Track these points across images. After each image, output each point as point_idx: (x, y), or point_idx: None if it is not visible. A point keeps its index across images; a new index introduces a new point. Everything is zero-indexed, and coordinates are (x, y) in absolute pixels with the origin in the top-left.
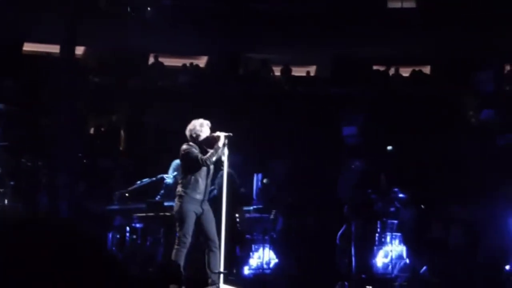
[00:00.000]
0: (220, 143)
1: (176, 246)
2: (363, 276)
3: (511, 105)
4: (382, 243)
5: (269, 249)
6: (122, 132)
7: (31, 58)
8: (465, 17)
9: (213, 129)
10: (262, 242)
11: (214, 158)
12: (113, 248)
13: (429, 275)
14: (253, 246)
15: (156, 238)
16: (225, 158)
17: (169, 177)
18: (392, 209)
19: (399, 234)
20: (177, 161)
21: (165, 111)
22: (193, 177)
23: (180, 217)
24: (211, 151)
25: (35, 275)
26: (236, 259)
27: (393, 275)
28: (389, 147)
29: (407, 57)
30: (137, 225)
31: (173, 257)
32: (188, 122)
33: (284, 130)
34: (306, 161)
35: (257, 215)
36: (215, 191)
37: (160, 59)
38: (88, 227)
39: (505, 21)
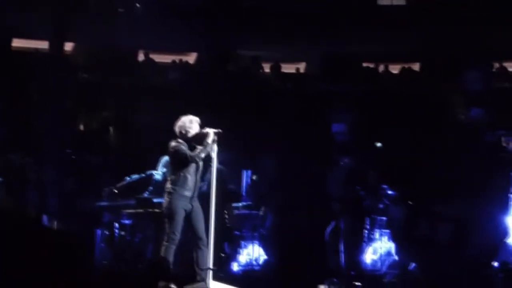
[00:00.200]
0: (209, 140)
1: (165, 243)
2: (351, 272)
3: (500, 103)
4: (371, 240)
5: (258, 245)
6: (111, 129)
7: (19, 54)
8: (455, 15)
9: (202, 126)
10: (251, 239)
11: (203, 155)
12: (102, 245)
13: (418, 272)
14: (242, 242)
15: (145, 235)
16: (214, 155)
17: (158, 174)
18: (381, 206)
19: (388, 231)
20: (166, 158)
21: (154, 107)
22: (182, 174)
23: (169, 213)
24: (200, 147)
25: (25, 271)
26: (225, 255)
27: (381, 272)
28: (378, 144)
29: (397, 54)
30: (126, 222)
31: (162, 253)
32: (177, 118)
33: (273, 127)
34: (295, 158)
35: (246, 211)
36: (204, 187)
37: (149, 56)
38: (77, 223)
39: (495, 19)
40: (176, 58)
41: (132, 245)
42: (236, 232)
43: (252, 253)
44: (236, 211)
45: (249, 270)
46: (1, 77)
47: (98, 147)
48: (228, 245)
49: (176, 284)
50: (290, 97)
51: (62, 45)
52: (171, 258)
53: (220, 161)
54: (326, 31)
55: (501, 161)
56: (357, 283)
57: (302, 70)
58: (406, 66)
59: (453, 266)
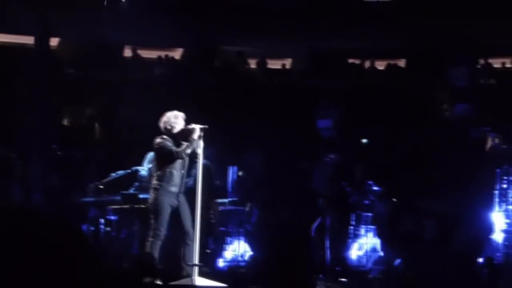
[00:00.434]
0: (195, 136)
1: (150, 239)
2: (337, 268)
3: (485, 99)
4: (356, 236)
5: (244, 241)
6: (96, 124)
7: (4, 49)
8: (440, 11)
9: (188, 121)
10: (237, 235)
11: (188, 151)
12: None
13: (403, 268)
14: (227, 238)
15: (131, 231)
16: (200, 151)
17: (143, 170)
18: (366, 202)
19: (373, 227)
20: (151, 154)
21: (140, 103)
22: (168, 170)
23: (155, 209)
24: (185, 143)
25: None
26: (210, 251)
27: (367, 268)
28: (364, 140)
29: (382, 50)
30: (112, 218)
31: (147, 249)
32: (163, 114)
33: (259, 123)
34: (281, 154)
35: (232, 207)
36: (190, 182)
37: (135, 51)
38: (62, 219)
39: (480, 15)
40: (162, 53)
41: (117, 241)
42: (222, 228)
43: (237, 249)
44: (222, 207)
45: (234, 266)
46: None
47: (83, 142)
48: (214, 241)
49: (161, 280)
50: (276, 93)
51: (47, 40)
52: (156, 254)
53: (206, 157)
54: (312, 27)
55: (486, 157)
56: (342, 279)
57: (288, 66)
58: (392, 62)
59: (439, 262)
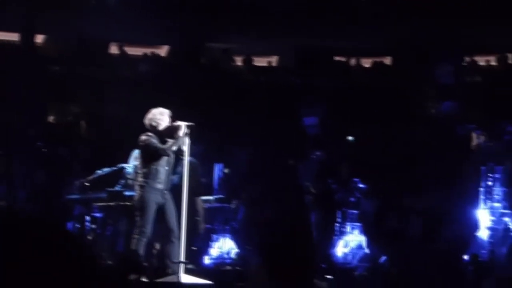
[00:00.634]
0: (181, 133)
1: (136, 236)
2: (322, 265)
3: (471, 96)
4: (342, 233)
5: (230, 239)
6: (82, 121)
7: None
8: (426, 9)
9: (173, 119)
10: (223, 232)
11: (174, 148)
12: None
13: (389, 265)
14: (213, 236)
15: (116, 228)
16: (185, 148)
17: (129, 167)
18: (352, 199)
19: (359, 224)
20: (137, 151)
21: (126, 100)
22: (153, 167)
23: (141, 206)
24: (171, 141)
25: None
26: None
27: (352, 265)
28: (350, 138)
29: (369, 48)
30: (97, 215)
31: (133, 246)
32: (149, 111)
33: (245, 120)
34: (267, 151)
35: (218, 205)
36: (175, 180)
37: (121, 48)
38: (47, 216)
39: (466, 13)
40: (148, 50)
41: (103, 238)
42: (208, 225)
43: (223, 246)
44: (208, 204)
45: (220, 263)
46: None
47: (69, 139)
48: (198, 238)
49: (147, 277)
50: (262, 90)
51: (32, 37)
52: (142, 251)
53: (191, 154)
54: (298, 24)
55: (472, 154)
56: (328, 276)
57: (274, 64)
58: (378, 60)
59: (424, 260)
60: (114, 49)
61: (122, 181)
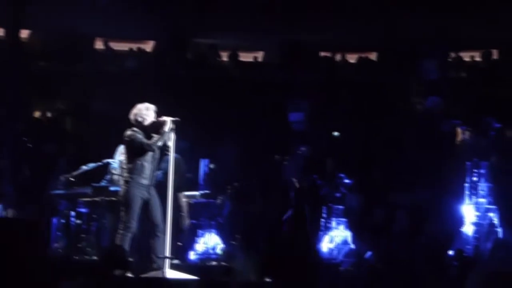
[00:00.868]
0: (167, 128)
1: (121, 231)
2: (309, 261)
3: (456, 92)
4: (327, 229)
5: (215, 234)
6: (67, 117)
7: None
8: (412, 5)
9: (159, 114)
10: (208, 228)
11: (160, 143)
12: (58, 234)
13: (374, 260)
14: (199, 231)
15: (102, 223)
16: (171, 143)
17: (115, 162)
18: (338, 194)
19: (344, 219)
20: (123, 146)
21: (111, 95)
22: (138, 162)
23: (126, 202)
24: (156, 136)
25: None
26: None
27: (338, 260)
28: (336, 133)
29: (354, 43)
30: (83, 210)
31: (118, 242)
32: (134, 106)
33: (231, 115)
34: (253, 147)
35: (203, 200)
36: (160, 175)
37: (106, 43)
38: (32, 212)
39: (451, 8)
40: (133, 46)
41: (88, 233)
42: (193, 221)
43: (209, 242)
44: (193, 200)
45: (205, 259)
46: None
47: (54, 135)
48: (183, 234)
49: (132, 273)
50: (248, 86)
51: (17, 32)
52: (127, 246)
53: (177, 150)
54: (283, 20)
55: (457, 150)
56: (312, 272)
57: (260, 59)
58: (363, 55)
59: (409, 255)
60: (99, 44)
61: (108, 177)
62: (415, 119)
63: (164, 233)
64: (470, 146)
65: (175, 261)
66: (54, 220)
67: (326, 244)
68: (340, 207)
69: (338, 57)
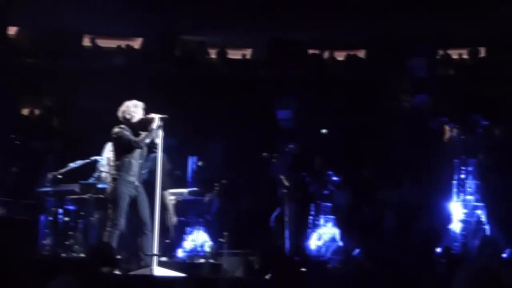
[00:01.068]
0: (155, 125)
1: (109, 228)
2: (296, 258)
3: (444, 89)
4: (315, 226)
5: (204, 231)
6: (55, 114)
7: None
8: (400, 2)
9: (148, 111)
10: (197, 225)
11: (147, 140)
12: (46, 231)
13: (362, 257)
14: (187, 228)
15: (89, 221)
16: (159, 141)
17: (102, 160)
18: (326, 192)
19: (332, 217)
20: (111, 143)
21: (99, 92)
22: (126, 160)
23: (114, 199)
24: (144, 133)
25: None
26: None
27: (326, 258)
28: (324, 130)
29: (342, 41)
30: (70, 207)
31: (105, 239)
32: (122, 103)
33: (219, 113)
34: (241, 144)
35: (191, 197)
36: (145, 175)
37: (95, 40)
38: (20, 209)
39: (439, 6)
40: (122, 43)
41: (76, 230)
42: (182, 218)
43: (197, 239)
44: (181, 197)
45: (193, 256)
46: None
47: (42, 132)
48: (169, 232)
49: (120, 270)
50: (236, 83)
51: (5, 29)
52: (115, 244)
53: (165, 147)
54: (272, 17)
55: (445, 147)
56: (301, 269)
57: (248, 56)
58: (351, 53)
59: (397, 252)
60: (87, 41)
61: (96, 174)
62: (403, 116)
63: (151, 230)
64: (458, 143)
65: (163, 259)
66: (42, 217)
67: (314, 242)
68: (328, 204)
69: (326, 54)
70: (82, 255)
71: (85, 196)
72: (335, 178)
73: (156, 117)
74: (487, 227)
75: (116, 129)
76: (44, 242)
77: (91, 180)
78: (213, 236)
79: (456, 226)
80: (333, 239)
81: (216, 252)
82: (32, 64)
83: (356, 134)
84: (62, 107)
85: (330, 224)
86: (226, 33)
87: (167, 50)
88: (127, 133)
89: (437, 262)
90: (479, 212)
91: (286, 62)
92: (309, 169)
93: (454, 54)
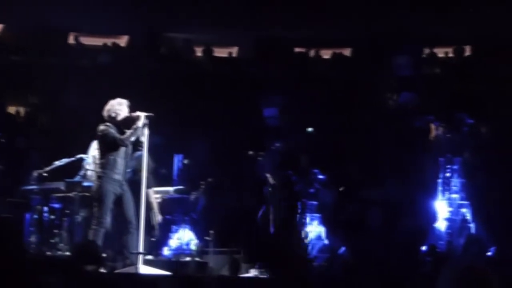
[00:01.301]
0: (140, 123)
1: (94, 227)
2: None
3: (429, 88)
4: (301, 224)
5: (189, 230)
6: (40, 111)
7: None
8: (386, 1)
9: (133, 109)
10: (182, 223)
11: (133, 138)
12: (31, 229)
13: (348, 256)
14: (173, 227)
15: (75, 219)
16: (145, 139)
17: (88, 158)
18: (311, 190)
19: (318, 215)
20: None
21: (85, 90)
22: (112, 157)
23: (99, 197)
24: (129, 131)
25: None
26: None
27: (312, 256)
28: (309, 129)
29: (328, 39)
30: (56, 206)
31: (91, 237)
32: (108, 101)
33: (205, 111)
34: (227, 142)
35: (177, 195)
36: (129, 173)
37: (80, 38)
38: (5, 207)
39: (425, 4)
40: (108, 40)
41: (61, 229)
42: (167, 216)
43: (183, 237)
44: (167, 195)
45: (179, 254)
46: None
47: (27, 129)
48: (154, 230)
49: (105, 268)
50: (222, 81)
51: None
52: (100, 242)
53: (151, 145)
54: (258, 15)
55: (430, 146)
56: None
57: (234, 54)
58: (337, 51)
59: (383, 250)
60: (73, 39)
61: (81, 172)
62: (389, 115)
63: (137, 228)
64: (444, 142)
65: (149, 257)
66: (27, 215)
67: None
68: (314, 202)
69: (312, 53)
70: (68, 253)
71: (71, 194)
72: (320, 177)
73: (142, 115)
74: (472, 225)
75: (101, 127)
76: (29, 240)
77: (76, 178)
78: (199, 234)
79: (441, 225)
80: (318, 237)
81: (202, 250)
82: (17, 62)
83: (342, 133)
84: (47, 105)
85: (316, 222)
86: (212, 31)
87: (153, 48)
88: (113, 130)
89: (422, 260)
90: (464, 210)
91: (272, 60)
92: (295, 168)
93: (440, 52)
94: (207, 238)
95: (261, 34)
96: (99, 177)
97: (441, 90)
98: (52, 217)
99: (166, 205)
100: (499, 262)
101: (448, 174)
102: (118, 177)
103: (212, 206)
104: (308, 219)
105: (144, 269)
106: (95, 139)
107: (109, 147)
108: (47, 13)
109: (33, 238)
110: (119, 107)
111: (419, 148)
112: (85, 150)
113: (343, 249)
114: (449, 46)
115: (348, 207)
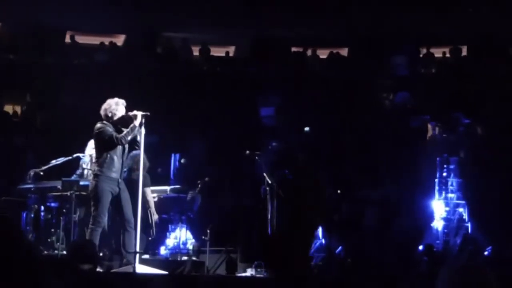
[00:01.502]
0: (137, 122)
1: (91, 226)
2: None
3: (426, 88)
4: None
5: (186, 229)
6: (37, 110)
7: None
8: (383, 1)
9: (130, 108)
10: (179, 222)
11: (129, 137)
12: (27, 228)
13: (344, 255)
14: (170, 226)
15: (71, 218)
16: (141, 138)
17: (85, 156)
18: None
19: None
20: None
21: (82, 89)
22: (108, 156)
23: (96, 196)
24: (126, 129)
25: None
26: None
27: (309, 255)
28: (306, 128)
29: (325, 39)
30: (52, 205)
31: (88, 236)
32: (105, 101)
33: (202, 110)
34: (224, 141)
35: (174, 195)
36: (125, 173)
37: (77, 37)
38: (1, 206)
39: (422, 4)
40: (105, 39)
41: (58, 228)
42: (164, 216)
43: (179, 237)
44: (164, 195)
45: (176, 254)
46: None
47: (23, 128)
48: (151, 229)
49: (102, 267)
50: (219, 80)
51: None
52: (97, 241)
53: (147, 144)
54: (255, 15)
55: (427, 145)
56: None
57: (231, 54)
58: (334, 50)
59: (379, 250)
60: (70, 38)
61: (78, 171)
62: (386, 114)
63: (134, 227)
64: (440, 141)
65: (145, 256)
66: (24, 214)
67: None
68: None
69: (309, 52)
70: (64, 252)
71: (67, 193)
72: None
73: (138, 114)
74: (469, 225)
75: (98, 125)
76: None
77: (73, 177)
78: (195, 233)
79: (438, 224)
80: (316, 236)
81: (198, 249)
82: (14, 61)
83: (338, 132)
84: (44, 104)
85: None
86: (209, 30)
87: (149, 47)
88: (110, 129)
89: (419, 259)
90: (461, 210)
91: (269, 60)
92: (292, 167)
93: (437, 52)
94: (203, 237)
95: (258, 33)
96: (95, 176)
97: (438, 90)
98: (49, 216)
99: (162, 204)
100: (496, 261)
101: (444, 174)
102: (115, 175)
103: (209, 205)
104: None
105: (141, 269)
106: (92, 137)
107: (105, 145)
108: (44, 12)
109: (29, 237)
110: (116, 106)
111: (415, 147)
112: (82, 149)
113: (340, 248)
114: (446, 46)
115: (345, 207)
